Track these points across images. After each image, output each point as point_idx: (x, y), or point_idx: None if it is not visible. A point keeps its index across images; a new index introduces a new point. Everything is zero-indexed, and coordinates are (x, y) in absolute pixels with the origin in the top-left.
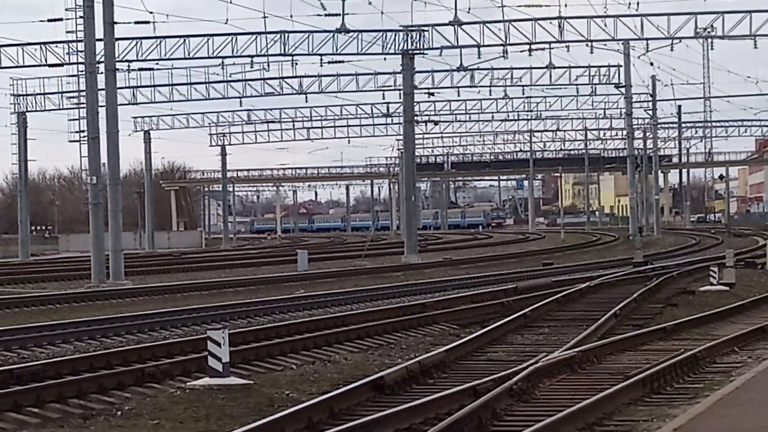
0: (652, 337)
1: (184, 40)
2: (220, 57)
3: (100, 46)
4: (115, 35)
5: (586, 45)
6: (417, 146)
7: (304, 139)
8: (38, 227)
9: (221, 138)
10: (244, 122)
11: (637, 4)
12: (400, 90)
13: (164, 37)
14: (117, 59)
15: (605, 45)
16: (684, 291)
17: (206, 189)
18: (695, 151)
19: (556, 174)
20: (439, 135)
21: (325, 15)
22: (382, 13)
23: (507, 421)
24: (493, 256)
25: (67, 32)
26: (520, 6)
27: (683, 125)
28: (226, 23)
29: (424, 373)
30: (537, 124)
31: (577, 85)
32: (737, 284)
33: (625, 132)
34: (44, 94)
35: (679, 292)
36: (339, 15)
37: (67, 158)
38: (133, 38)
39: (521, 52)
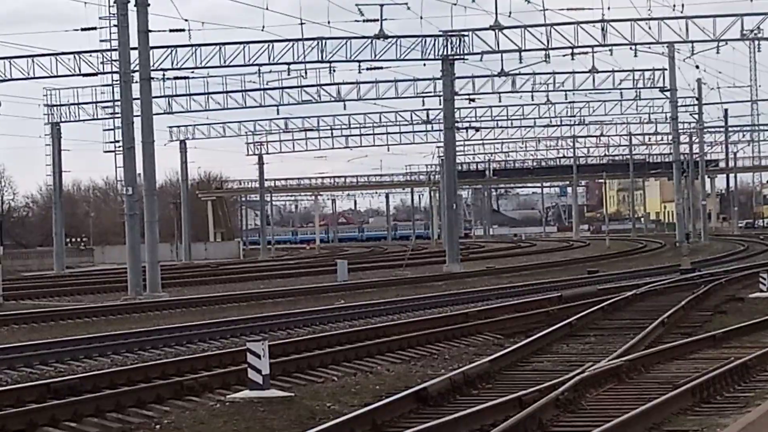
0: (701, 346)
1: (220, 48)
2: (256, 64)
3: (134, 55)
4: (150, 44)
5: (630, 48)
6: (458, 153)
7: (343, 147)
8: (73, 239)
9: (258, 147)
10: (281, 130)
11: (682, 6)
12: (440, 96)
13: (199, 45)
14: (152, 68)
15: (649, 48)
16: (733, 298)
17: (243, 199)
18: (742, 155)
19: (601, 180)
20: (481, 142)
21: (363, 21)
22: (421, 18)
23: None
24: (536, 265)
25: (101, 41)
26: (562, 9)
27: (730, 129)
28: (262, 30)
29: (468, 384)
30: (580, 130)
31: (621, 89)
32: None
33: (670, 136)
34: (78, 104)
35: (728, 299)
36: (377, 20)
37: (102, 169)
38: (168, 46)
39: (564, 56)
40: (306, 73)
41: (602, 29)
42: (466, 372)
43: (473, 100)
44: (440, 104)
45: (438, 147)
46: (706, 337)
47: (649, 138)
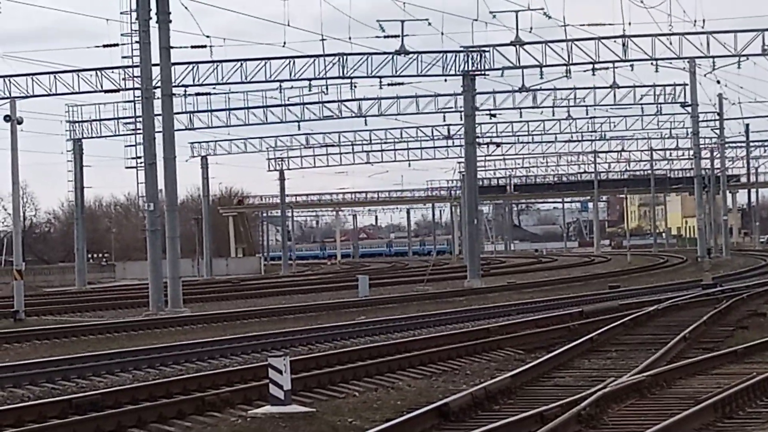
0: (723, 361)
1: (241, 64)
2: (277, 80)
3: (156, 71)
4: (172, 60)
5: (651, 63)
6: (479, 168)
7: (364, 163)
8: (95, 255)
9: (279, 162)
10: (302, 146)
11: (703, 21)
12: (461, 111)
13: (221, 61)
14: (173, 84)
15: (670, 63)
16: (755, 313)
17: (265, 214)
18: (764, 170)
19: (622, 195)
20: (502, 157)
21: (384, 37)
22: (441, 33)
23: None
24: (557, 280)
25: (123, 57)
26: (582, 25)
27: (751, 144)
28: (283, 46)
29: (490, 400)
30: (601, 145)
31: (642, 104)
32: None
33: (691, 152)
34: (100, 120)
35: (749, 314)
36: (398, 36)
37: (124, 185)
38: (189, 63)
39: (584, 71)
40: (327, 88)
41: (623, 44)
42: (487, 387)
43: (494, 115)
44: (461, 119)
45: (459, 162)
46: (728, 353)
47: (670, 153)
